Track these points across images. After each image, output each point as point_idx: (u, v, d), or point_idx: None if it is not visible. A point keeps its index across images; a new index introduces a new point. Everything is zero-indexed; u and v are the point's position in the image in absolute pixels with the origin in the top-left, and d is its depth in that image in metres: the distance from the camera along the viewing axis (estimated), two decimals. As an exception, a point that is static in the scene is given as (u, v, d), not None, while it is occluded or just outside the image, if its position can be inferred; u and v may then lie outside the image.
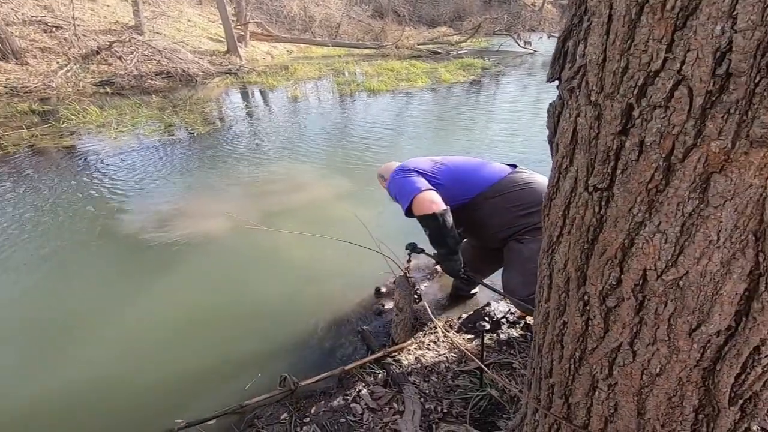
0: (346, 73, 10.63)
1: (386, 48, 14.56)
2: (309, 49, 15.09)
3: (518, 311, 2.19)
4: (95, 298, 2.47)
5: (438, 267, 2.56)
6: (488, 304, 2.23)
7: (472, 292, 2.39)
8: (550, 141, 0.67)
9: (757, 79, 0.37)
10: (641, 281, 0.56)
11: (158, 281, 2.60)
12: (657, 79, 0.43)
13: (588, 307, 0.68)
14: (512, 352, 1.93)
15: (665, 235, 0.49)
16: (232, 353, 2.04)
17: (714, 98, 0.40)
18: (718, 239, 0.46)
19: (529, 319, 2.12)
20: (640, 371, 0.66)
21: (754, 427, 0.69)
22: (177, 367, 1.97)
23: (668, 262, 0.51)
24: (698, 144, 0.43)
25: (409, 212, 1.76)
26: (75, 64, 8.78)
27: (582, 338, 0.73)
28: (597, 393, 0.77)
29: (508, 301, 2.06)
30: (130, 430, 1.69)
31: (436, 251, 1.84)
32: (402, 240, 2.09)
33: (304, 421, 1.61)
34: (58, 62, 8.74)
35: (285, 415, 1.65)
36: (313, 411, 1.65)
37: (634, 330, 0.62)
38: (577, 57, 0.52)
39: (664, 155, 0.45)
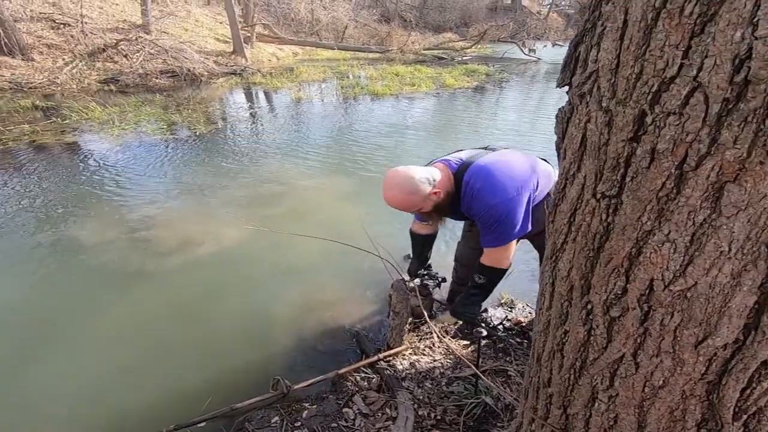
0: (351, 77, 10.65)
1: (391, 52, 14.60)
2: (315, 52, 15.14)
3: (516, 317, 2.18)
4: (85, 297, 2.43)
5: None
6: (485, 310, 2.21)
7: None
8: (558, 147, 0.66)
9: (776, 87, 0.36)
10: (647, 291, 0.55)
11: (150, 281, 2.56)
12: (672, 85, 0.42)
13: (591, 317, 0.67)
14: (508, 359, 1.91)
15: (674, 245, 0.49)
16: (224, 356, 2.02)
17: (731, 106, 0.39)
18: (729, 250, 0.45)
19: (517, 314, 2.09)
20: (642, 383, 0.64)
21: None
22: (168, 370, 1.94)
23: (676, 273, 0.50)
24: (712, 152, 0.42)
25: (488, 247, 1.54)
26: (81, 61, 8.80)
27: (583, 348, 0.72)
28: (597, 404, 0.76)
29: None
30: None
31: (469, 296, 1.72)
32: (401, 243, 2.08)
33: (296, 425, 1.59)
34: (63, 59, 8.76)
35: (276, 418, 1.62)
36: (304, 415, 1.63)
37: (638, 341, 0.61)
38: (589, 62, 0.52)
39: (676, 163, 0.44)
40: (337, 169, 4.44)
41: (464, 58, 14.95)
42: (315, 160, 4.76)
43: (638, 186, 0.49)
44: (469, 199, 1.49)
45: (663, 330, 0.56)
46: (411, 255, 2.03)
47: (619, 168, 0.51)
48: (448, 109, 7.71)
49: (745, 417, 0.60)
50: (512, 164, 1.50)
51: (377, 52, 15.00)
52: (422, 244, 1.95)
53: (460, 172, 1.51)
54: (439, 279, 1.98)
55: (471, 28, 20.69)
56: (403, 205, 1.49)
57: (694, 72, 0.40)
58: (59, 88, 7.84)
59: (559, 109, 0.62)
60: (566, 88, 0.61)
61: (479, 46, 16.67)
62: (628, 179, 0.50)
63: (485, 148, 1.65)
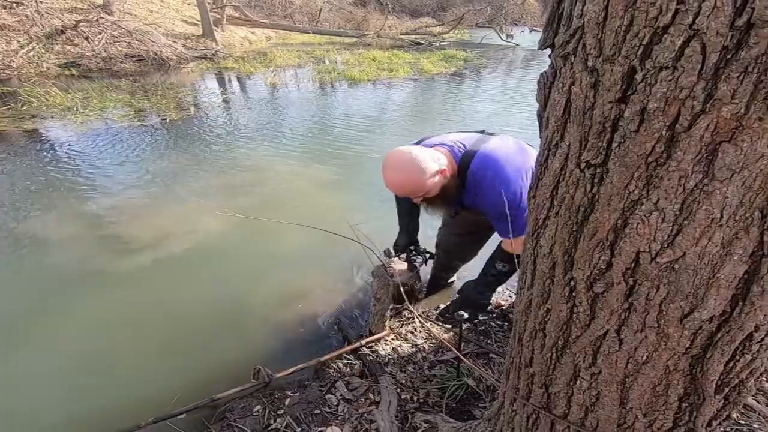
0: (327, 62, 10.41)
1: (368, 37, 14.34)
2: (289, 36, 14.72)
3: (496, 301, 2.18)
4: (54, 292, 2.31)
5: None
6: (466, 295, 2.21)
7: (450, 280, 2.37)
8: (540, 116, 0.62)
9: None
10: (633, 264, 0.52)
11: (123, 274, 2.46)
12: (665, 35, 0.38)
13: (574, 294, 0.64)
14: (489, 341, 1.93)
15: (663, 214, 0.46)
16: (204, 346, 1.97)
17: (730, 55, 0.36)
18: (721, 217, 0.43)
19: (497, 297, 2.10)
20: (625, 360, 0.63)
21: (735, 415, 0.67)
22: (145, 364, 1.89)
23: (664, 243, 0.48)
24: (707, 109, 0.39)
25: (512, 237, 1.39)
26: (38, 44, 8.26)
27: (566, 326, 0.70)
28: (579, 382, 0.75)
29: None
30: (96, 427, 1.59)
31: (488, 284, 1.65)
32: (381, 228, 2.04)
33: (278, 413, 1.57)
34: (18, 41, 8.19)
35: (258, 407, 1.60)
36: (287, 403, 1.61)
37: (622, 317, 0.59)
38: (574, 17, 0.48)
39: (668, 123, 0.41)
40: (314, 157, 4.34)
41: (442, 43, 14.84)
42: (291, 147, 4.64)
43: (626, 152, 0.46)
44: (477, 190, 1.37)
45: (648, 304, 0.54)
46: (399, 224, 1.93)
47: (605, 133, 0.48)
48: (427, 95, 7.65)
49: (727, 389, 0.59)
50: (514, 152, 1.40)
51: (353, 36, 14.72)
52: (408, 212, 1.81)
53: (465, 160, 1.37)
54: (427, 255, 1.92)
55: (448, 13, 20.50)
56: (409, 187, 1.32)
57: (691, 18, 0.36)
58: (15, 73, 7.38)
59: (541, 74, 0.58)
60: (549, 50, 0.57)
61: (457, 31, 16.56)
62: (614, 145, 0.47)
63: (482, 132, 1.54)
